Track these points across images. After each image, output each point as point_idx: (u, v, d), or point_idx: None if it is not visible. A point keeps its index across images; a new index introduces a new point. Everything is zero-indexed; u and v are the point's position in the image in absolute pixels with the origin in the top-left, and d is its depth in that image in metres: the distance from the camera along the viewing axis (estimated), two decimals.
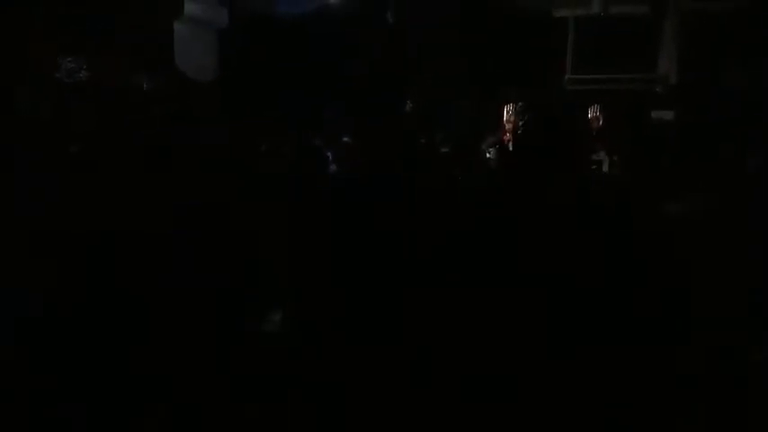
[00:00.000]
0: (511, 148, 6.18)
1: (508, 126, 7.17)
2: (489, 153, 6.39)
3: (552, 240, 2.36)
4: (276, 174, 4.32)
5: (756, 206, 3.09)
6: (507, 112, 7.35)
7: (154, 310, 2.75)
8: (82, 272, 2.71)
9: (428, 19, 6.98)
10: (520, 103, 7.16)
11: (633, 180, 5.04)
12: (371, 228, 3.01)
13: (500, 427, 2.21)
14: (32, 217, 3.39)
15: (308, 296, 2.99)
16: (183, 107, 6.29)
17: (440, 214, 2.99)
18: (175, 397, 2.58)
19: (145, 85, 6.13)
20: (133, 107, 5.94)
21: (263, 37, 7.43)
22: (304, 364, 2.67)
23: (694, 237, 2.72)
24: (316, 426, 2.48)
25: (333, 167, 5.21)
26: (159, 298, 2.77)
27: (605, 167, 6.48)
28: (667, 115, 6.97)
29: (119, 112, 5.70)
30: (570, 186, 2.61)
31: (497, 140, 6.45)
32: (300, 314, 3.06)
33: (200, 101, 6.66)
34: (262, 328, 3.05)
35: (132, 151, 4.79)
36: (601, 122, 6.70)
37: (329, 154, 5.86)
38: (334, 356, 2.60)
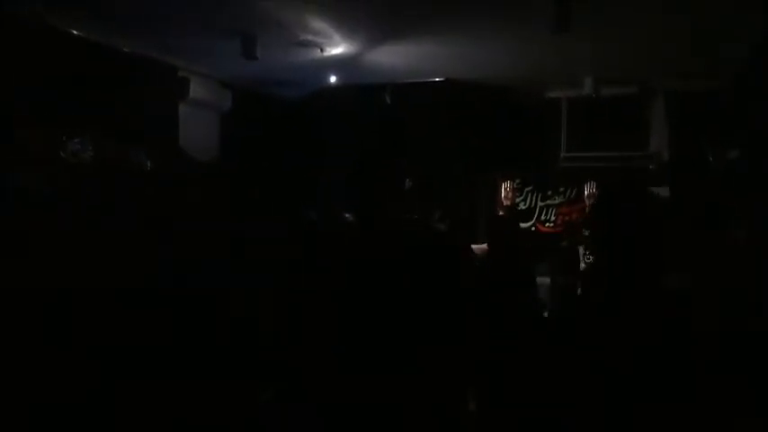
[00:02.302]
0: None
1: (506, 202, 7.28)
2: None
3: None
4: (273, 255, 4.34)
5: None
6: (505, 189, 7.49)
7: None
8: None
9: (424, 101, 7.19)
10: (517, 181, 7.30)
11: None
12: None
13: None
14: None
15: None
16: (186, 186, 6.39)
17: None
18: None
19: (148, 166, 6.24)
20: (137, 186, 6.03)
21: (264, 118, 7.62)
22: None
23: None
24: None
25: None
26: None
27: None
28: (662, 191, 7.09)
29: (123, 190, 5.79)
30: None
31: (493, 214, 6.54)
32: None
33: (203, 181, 6.75)
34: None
35: (135, 226, 4.82)
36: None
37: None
38: None
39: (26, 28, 5.04)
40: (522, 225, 7.43)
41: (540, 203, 7.47)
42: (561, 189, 7.37)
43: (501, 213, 6.58)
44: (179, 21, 5.21)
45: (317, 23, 5.17)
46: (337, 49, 5.83)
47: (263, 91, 7.69)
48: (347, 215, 6.49)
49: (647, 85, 7.07)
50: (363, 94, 7.31)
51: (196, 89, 6.74)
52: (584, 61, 6.16)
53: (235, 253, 4.46)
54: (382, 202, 7.27)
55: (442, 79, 7.02)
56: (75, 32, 5.51)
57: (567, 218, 7.26)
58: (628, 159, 7.15)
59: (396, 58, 6.19)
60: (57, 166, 5.27)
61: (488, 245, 6.28)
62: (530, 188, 7.53)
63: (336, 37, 5.51)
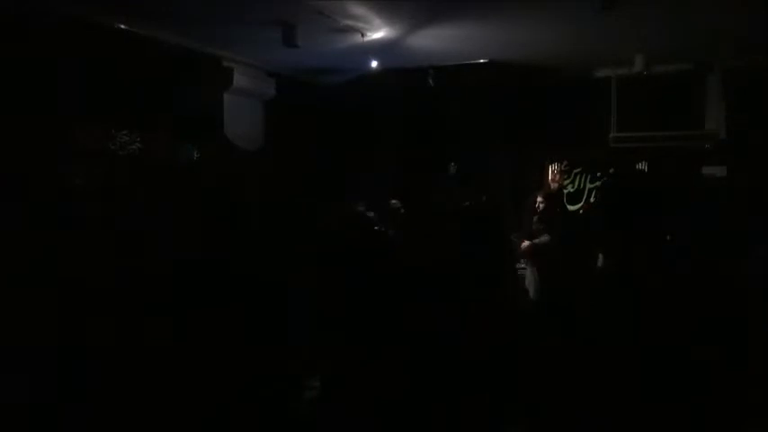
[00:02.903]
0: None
1: (554, 185, 7.13)
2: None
3: None
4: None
5: None
6: (552, 171, 7.32)
7: None
8: None
9: (468, 83, 7.06)
10: (564, 162, 7.15)
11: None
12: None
13: None
14: None
15: None
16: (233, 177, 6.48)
17: None
18: None
19: (195, 155, 6.33)
20: (184, 177, 6.14)
21: (308, 106, 7.63)
22: None
23: None
24: None
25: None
26: None
27: None
28: (720, 171, 6.82)
29: (170, 181, 5.90)
30: None
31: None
32: None
33: (250, 169, 6.82)
34: None
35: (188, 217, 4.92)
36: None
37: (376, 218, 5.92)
38: None
39: (71, 23, 5.14)
40: (571, 208, 7.27)
41: (589, 185, 7.28)
42: (611, 170, 7.16)
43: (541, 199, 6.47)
44: (221, 12, 5.24)
45: (357, 9, 5.12)
46: (378, 33, 5.77)
47: (306, 78, 7.70)
48: (394, 202, 6.49)
49: (701, 61, 6.77)
50: (407, 78, 7.23)
51: (240, 78, 6.78)
52: (633, 38, 5.92)
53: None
54: (428, 187, 7.22)
55: (485, 61, 6.87)
56: (119, 26, 5.60)
57: None
58: (681, 139, 6.89)
59: (438, 41, 6.08)
60: (106, 159, 5.39)
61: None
62: (578, 170, 7.34)
63: (377, 21, 5.45)
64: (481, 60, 6.88)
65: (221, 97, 6.71)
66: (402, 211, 6.38)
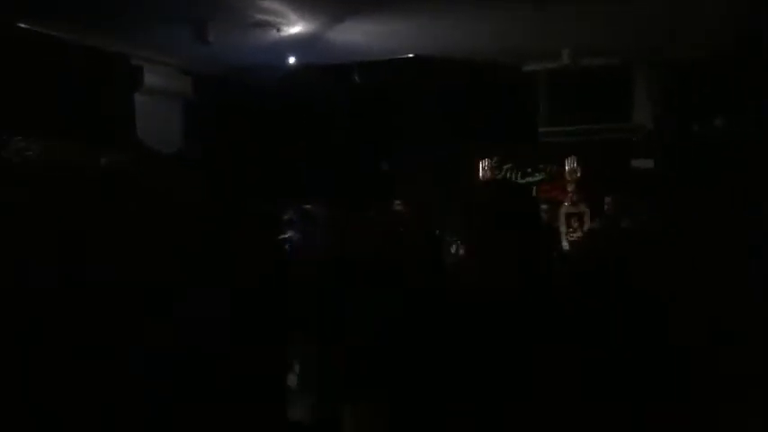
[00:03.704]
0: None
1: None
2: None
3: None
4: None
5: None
6: (483, 168, 7.20)
7: None
8: None
9: (394, 79, 6.86)
10: (495, 158, 7.01)
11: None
12: None
13: None
14: None
15: None
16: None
17: None
18: None
19: (102, 161, 5.90)
20: (90, 184, 5.71)
21: (229, 105, 7.27)
22: None
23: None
24: None
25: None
26: None
27: (586, 220, 6.30)
28: (646, 164, 6.82)
29: (75, 190, 5.47)
30: None
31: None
32: None
33: (165, 174, 6.41)
34: None
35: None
36: (579, 174, 6.55)
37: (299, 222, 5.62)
38: None
39: None
40: None
41: (519, 181, 7.18)
42: (541, 166, 7.08)
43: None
44: (128, 7, 4.88)
45: (269, 3, 4.84)
46: (295, 28, 5.49)
47: (223, 76, 7.31)
48: (321, 204, 6.20)
49: (628, 55, 6.75)
50: (330, 74, 6.96)
51: (151, 78, 6.38)
52: (561, 32, 5.82)
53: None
54: (359, 186, 6.97)
55: (410, 56, 6.67)
56: (23, 26, 5.16)
57: (548, 195, 6.97)
58: (610, 132, 6.87)
59: (360, 36, 5.85)
60: None
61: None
62: (508, 166, 7.24)
63: (292, 16, 5.18)
64: (406, 56, 6.68)
65: (131, 98, 6.29)
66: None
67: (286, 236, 4.87)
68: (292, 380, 4.13)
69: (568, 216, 6.39)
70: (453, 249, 5.62)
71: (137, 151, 6.22)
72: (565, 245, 6.02)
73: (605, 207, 5.61)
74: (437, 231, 5.08)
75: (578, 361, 2.16)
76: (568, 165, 6.71)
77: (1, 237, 3.24)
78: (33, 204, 3.70)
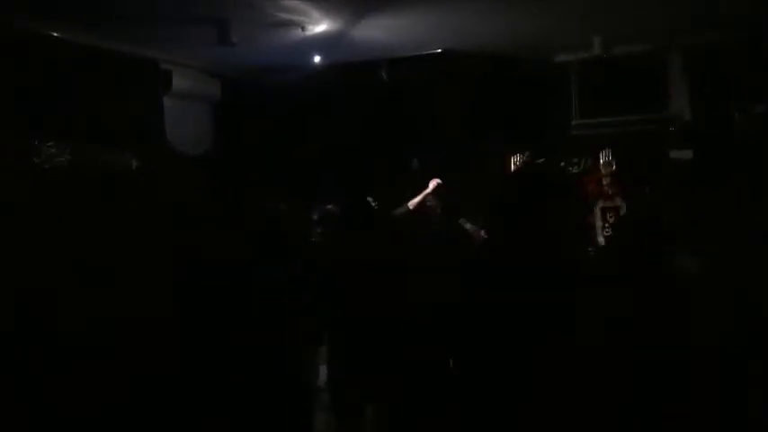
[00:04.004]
0: None
1: None
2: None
3: None
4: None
5: None
6: (514, 163, 7.04)
7: None
8: None
9: (422, 75, 6.75)
10: (526, 153, 6.85)
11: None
12: None
13: None
14: None
15: None
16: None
17: None
18: None
19: (134, 165, 5.95)
20: (122, 188, 5.75)
21: (257, 107, 7.26)
22: None
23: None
24: None
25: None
26: None
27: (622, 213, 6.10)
28: (685, 155, 6.58)
29: (106, 194, 5.51)
30: None
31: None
32: None
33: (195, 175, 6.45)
34: None
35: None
36: (614, 168, 6.34)
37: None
38: None
39: None
40: None
41: None
42: (575, 160, 6.89)
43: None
44: (152, 10, 4.91)
45: (291, 1, 4.79)
46: (320, 27, 5.43)
47: (248, 77, 7.30)
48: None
49: (662, 41, 6.52)
50: (358, 72, 6.90)
51: (179, 81, 6.41)
52: (591, 20, 5.64)
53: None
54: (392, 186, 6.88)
55: (438, 51, 6.55)
56: (45, 32, 5.22)
57: (582, 189, 6.78)
58: (645, 123, 6.64)
59: (386, 32, 5.77)
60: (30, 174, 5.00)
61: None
62: (541, 160, 7.05)
63: (315, 14, 5.12)
64: (434, 51, 6.57)
65: (160, 101, 6.33)
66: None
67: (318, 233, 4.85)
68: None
69: (604, 210, 6.19)
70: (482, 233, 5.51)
71: (166, 154, 6.27)
72: (600, 240, 5.85)
73: (640, 200, 5.44)
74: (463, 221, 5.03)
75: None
76: (603, 158, 6.50)
77: (35, 237, 3.25)
78: (64, 206, 3.69)
